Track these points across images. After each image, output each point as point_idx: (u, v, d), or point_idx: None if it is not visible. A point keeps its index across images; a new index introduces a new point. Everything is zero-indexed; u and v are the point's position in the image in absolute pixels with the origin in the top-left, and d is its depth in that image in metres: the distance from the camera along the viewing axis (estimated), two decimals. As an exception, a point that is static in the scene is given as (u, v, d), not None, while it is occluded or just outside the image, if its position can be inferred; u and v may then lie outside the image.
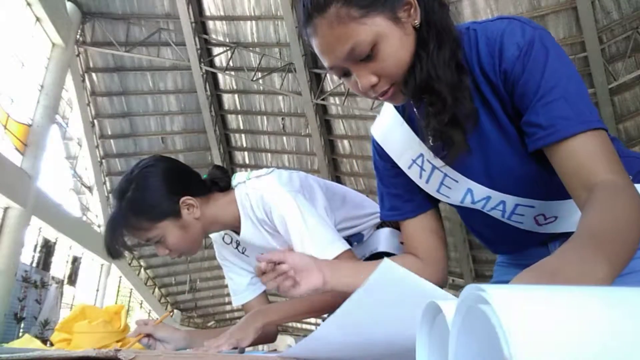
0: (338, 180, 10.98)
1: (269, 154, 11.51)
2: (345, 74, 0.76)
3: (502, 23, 0.75)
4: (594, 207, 0.60)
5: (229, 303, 17.46)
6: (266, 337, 1.25)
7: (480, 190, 0.86)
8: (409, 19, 0.73)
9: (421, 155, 0.89)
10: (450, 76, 0.73)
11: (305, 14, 0.73)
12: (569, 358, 0.24)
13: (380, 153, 0.98)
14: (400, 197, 0.97)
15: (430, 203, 0.98)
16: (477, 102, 0.78)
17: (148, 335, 1.21)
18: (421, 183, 0.93)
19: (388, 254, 1.33)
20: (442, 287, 0.99)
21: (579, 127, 0.66)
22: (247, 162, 11.88)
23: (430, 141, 0.81)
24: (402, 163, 0.94)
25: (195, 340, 1.27)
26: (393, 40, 0.72)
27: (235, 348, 1.04)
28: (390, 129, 0.93)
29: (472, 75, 0.77)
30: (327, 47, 0.72)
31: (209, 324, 18.63)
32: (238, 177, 1.28)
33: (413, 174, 0.93)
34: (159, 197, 1.16)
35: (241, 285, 1.42)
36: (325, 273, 0.86)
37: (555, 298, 0.28)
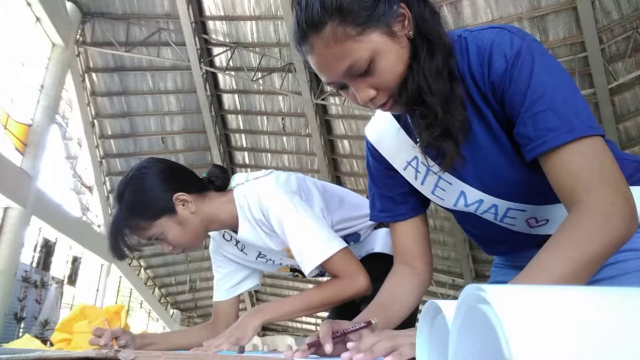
0: (338, 180, 10.97)
1: (269, 154, 11.51)
2: (343, 87, 0.77)
3: (492, 33, 0.75)
4: (554, 236, 0.65)
5: (229, 303, 17.42)
6: None
7: (473, 194, 0.86)
8: (404, 30, 0.73)
9: (415, 157, 0.90)
10: (442, 86, 0.73)
11: (301, 32, 0.73)
12: (568, 358, 0.24)
13: (373, 154, 0.98)
14: (393, 199, 0.98)
15: (421, 207, 0.99)
16: (470, 110, 0.78)
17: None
18: (417, 184, 0.94)
19: (384, 255, 1.33)
20: (426, 288, 0.99)
21: (566, 137, 0.66)
22: (247, 162, 11.88)
23: (422, 152, 0.81)
24: (397, 164, 0.94)
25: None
26: (389, 55, 0.72)
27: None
28: (385, 131, 0.93)
29: (464, 83, 0.77)
30: (325, 65, 0.73)
31: (209, 324, 18.60)
32: (237, 179, 1.30)
33: (408, 175, 0.93)
34: (153, 196, 1.19)
35: (229, 283, 1.46)
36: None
37: (555, 298, 0.28)
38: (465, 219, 0.96)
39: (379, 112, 0.96)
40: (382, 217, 1.00)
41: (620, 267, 0.78)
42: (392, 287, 0.95)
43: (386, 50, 0.72)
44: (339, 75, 0.73)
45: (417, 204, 0.98)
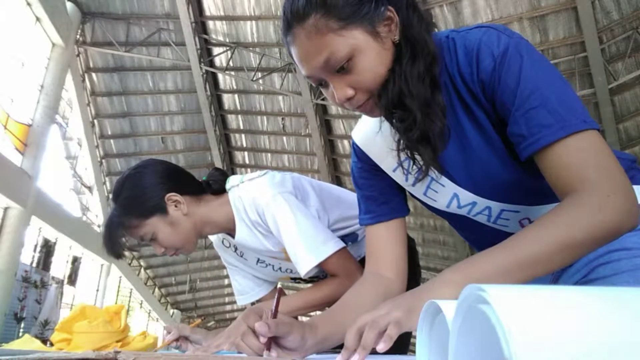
0: (338, 180, 10.97)
1: (269, 154, 11.51)
2: (322, 83, 0.77)
3: (479, 32, 0.74)
4: (541, 217, 0.64)
5: (229, 303, 17.46)
6: None
7: (466, 196, 0.86)
8: (389, 34, 0.73)
9: (407, 159, 0.89)
10: (423, 91, 0.72)
11: (285, 23, 0.74)
12: (568, 358, 0.24)
13: (359, 155, 0.97)
14: (375, 199, 0.96)
15: (403, 210, 0.96)
16: (461, 111, 0.78)
17: (177, 339, 1.24)
18: (407, 186, 0.92)
19: None
20: None
21: (560, 132, 0.65)
22: (247, 162, 11.88)
23: (399, 156, 0.80)
24: (386, 166, 0.93)
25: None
26: (370, 54, 0.72)
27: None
28: (373, 133, 0.92)
29: (454, 84, 0.77)
30: (304, 56, 0.73)
31: (209, 324, 18.64)
32: (232, 181, 1.30)
33: (398, 177, 0.92)
34: (146, 194, 1.20)
35: (246, 287, 1.47)
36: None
37: (555, 298, 0.28)
38: (457, 221, 0.95)
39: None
40: (366, 219, 0.97)
41: (613, 267, 0.77)
42: (353, 296, 0.88)
43: (367, 49, 0.71)
44: (317, 69, 0.73)
45: (399, 205, 0.96)
